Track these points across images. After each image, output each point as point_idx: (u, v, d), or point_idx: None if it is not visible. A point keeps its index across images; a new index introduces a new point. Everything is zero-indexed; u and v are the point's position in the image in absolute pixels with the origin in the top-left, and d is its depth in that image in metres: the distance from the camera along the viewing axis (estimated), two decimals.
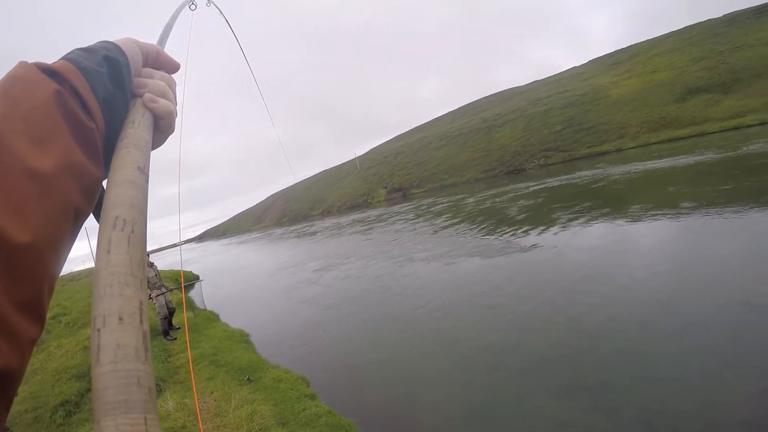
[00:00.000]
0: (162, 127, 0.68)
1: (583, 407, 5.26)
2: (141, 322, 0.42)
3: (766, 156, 19.80)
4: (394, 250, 19.80)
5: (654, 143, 46.32)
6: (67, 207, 0.48)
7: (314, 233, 46.19)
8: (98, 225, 0.52)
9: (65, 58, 0.57)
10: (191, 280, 24.30)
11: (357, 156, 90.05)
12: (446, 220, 25.31)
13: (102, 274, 0.44)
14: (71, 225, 0.50)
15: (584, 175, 31.01)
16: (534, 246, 13.43)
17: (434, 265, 14.47)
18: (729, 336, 5.95)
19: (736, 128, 40.10)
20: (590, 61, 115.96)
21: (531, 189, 30.54)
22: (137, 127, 0.61)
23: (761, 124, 38.43)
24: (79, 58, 0.57)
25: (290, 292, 16.87)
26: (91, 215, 0.57)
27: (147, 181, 0.56)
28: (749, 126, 39.17)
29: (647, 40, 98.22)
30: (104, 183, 0.57)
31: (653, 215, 13.72)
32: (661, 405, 4.94)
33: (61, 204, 0.47)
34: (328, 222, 59.09)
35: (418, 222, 28.38)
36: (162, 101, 0.66)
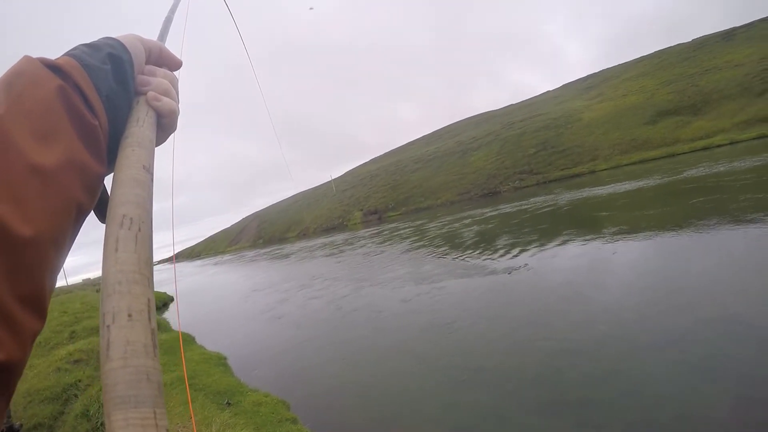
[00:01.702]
0: (165, 126, 0.68)
1: (567, 424, 5.24)
2: (149, 319, 0.42)
3: (694, 180, 21.24)
4: (369, 272, 19.68)
5: (626, 165, 46.87)
6: (70, 203, 0.48)
7: (288, 255, 45.93)
8: (100, 224, 0.53)
9: (69, 54, 0.57)
10: (165, 301, 23.93)
11: (333, 178, 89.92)
12: (424, 242, 25.21)
13: (111, 272, 0.44)
14: (73, 221, 0.49)
15: (538, 200, 31.82)
16: (511, 267, 13.31)
17: (411, 287, 14.34)
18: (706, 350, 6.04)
19: (705, 148, 40.76)
20: (563, 85, 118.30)
21: (505, 211, 30.71)
22: (141, 125, 0.61)
23: (731, 143, 39.09)
24: (82, 54, 0.57)
25: (266, 314, 16.61)
26: (92, 213, 0.57)
27: (152, 180, 0.56)
28: (719, 146, 39.80)
29: (619, 64, 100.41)
30: (106, 180, 0.58)
31: (585, 238, 14.43)
32: (642, 418, 4.94)
33: (63, 200, 0.47)
34: (303, 244, 58.69)
35: (402, 244, 27.86)
36: (165, 99, 0.67)
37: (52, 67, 0.52)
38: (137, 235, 0.47)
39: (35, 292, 0.42)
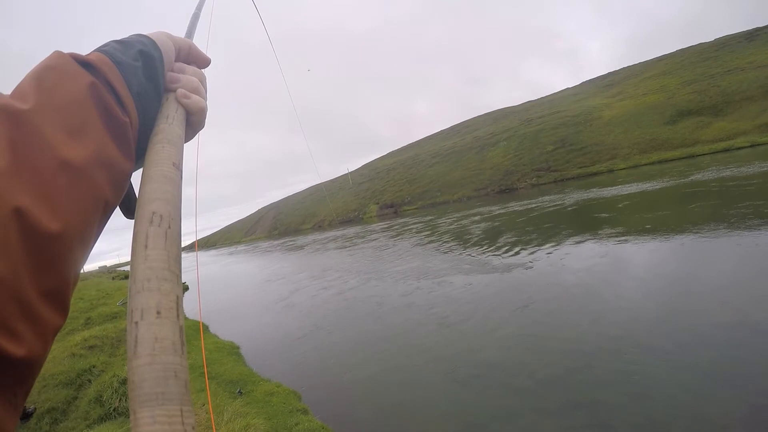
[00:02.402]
0: (193, 123, 0.69)
1: (577, 425, 5.19)
2: (178, 316, 0.42)
3: (704, 183, 20.99)
4: (385, 265, 19.65)
5: (645, 164, 46.60)
6: (98, 198, 0.48)
7: (302, 246, 46.34)
8: (127, 219, 0.53)
9: (100, 50, 0.57)
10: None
11: (349, 171, 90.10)
12: (443, 238, 24.79)
13: (140, 269, 0.44)
14: (100, 216, 0.50)
15: (546, 199, 31.86)
16: (525, 265, 13.31)
17: (426, 282, 14.29)
18: (722, 355, 5.93)
19: (725, 150, 40.40)
20: (583, 82, 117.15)
21: (523, 208, 30.46)
22: (171, 122, 0.61)
23: (752, 146, 38.75)
24: (114, 51, 0.57)
25: (279, 304, 16.65)
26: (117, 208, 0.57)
27: (181, 177, 0.56)
28: (739, 148, 39.41)
29: (639, 62, 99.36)
30: (133, 176, 0.58)
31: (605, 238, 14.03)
32: (654, 423, 4.88)
33: (92, 195, 0.47)
34: (316, 236, 59.18)
35: (418, 237, 28.21)
36: (194, 97, 0.67)
37: (83, 63, 0.52)
38: (167, 232, 0.48)
39: (59, 287, 0.42)
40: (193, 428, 0.38)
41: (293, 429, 6.10)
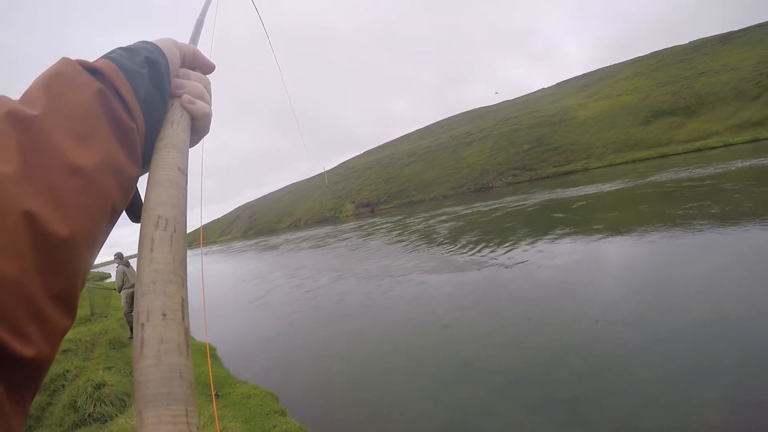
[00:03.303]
0: (198, 128, 0.70)
1: (557, 421, 5.19)
2: (183, 318, 0.43)
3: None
4: (361, 264, 19.59)
5: (619, 164, 47.02)
6: (106, 203, 0.49)
7: (276, 246, 46.30)
8: (133, 223, 0.54)
9: (107, 57, 0.58)
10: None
11: (326, 170, 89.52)
12: (412, 237, 25.01)
13: (146, 272, 0.45)
14: (108, 221, 0.50)
15: (511, 199, 32.22)
16: (504, 263, 13.25)
17: (401, 280, 14.29)
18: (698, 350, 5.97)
19: (699, 150, 40.85)
20: (559, 83, 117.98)
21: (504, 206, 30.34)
22: (176, 128, 0.62)
23: (724, 146, 39.19)
24: (121, 58, 0.58)
25: (254, 304, 16.49)
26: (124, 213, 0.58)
27: (186, 182, 0.57)
28: (712, 148, 39.90)
29: (615, 64, 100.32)
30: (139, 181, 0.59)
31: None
32: (633, 418, 4.90)
33: (100, 200, 0.48)
34: (294, 236, 58.78)
35: (390, 236, 28.33)
36: (199, 103, 0.68)
37: (91, 69, 0.53)
38: (172, 235, 0.48)
39: (67, 290, 0.43)
40: (198, 428, 0.38)
41: (271, 431, 6.05)
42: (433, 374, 7.08)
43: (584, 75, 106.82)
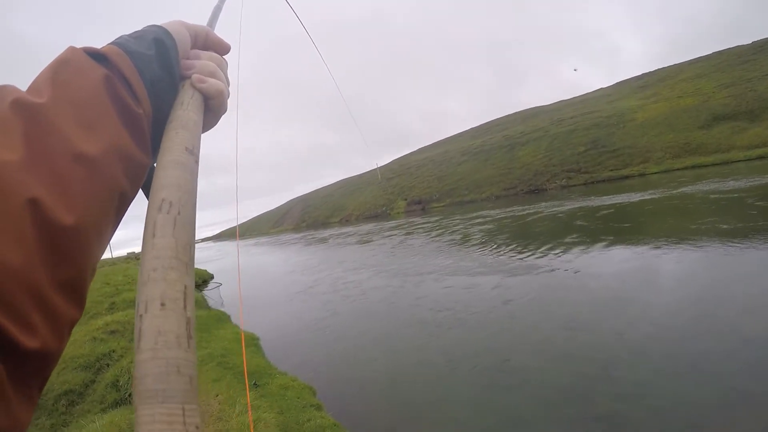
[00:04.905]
0: (213, 107, 0.68)
1: None
2: (185, 307, 0.41)
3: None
4: (410, 262, 19.77)
5: (677, 169, 46.10)
6: (113, 191, 0.49)
7: (325, 239, 47.37)
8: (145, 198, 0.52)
9: (114, 42, 0.58)
10: (205, 278, 25.86)
11: (378, 166, 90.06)
12: (472, 237, 25.15)
13: (146, 258, 0.43)
14: (116, 209, 0.50)
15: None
16: (550, 268, 13.35)
17: (448, 281, 14.43)
18: (748, 371, 5.82)
19: (761, 157, 39.81)
20: (617, 83, 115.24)
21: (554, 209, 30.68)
22: (186, 108, 0.61)
23: None
24: (127, 42, 0.58)
25: (301, 297, 16.93)
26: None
27: (197, 162, 0.56)
28: None
29: (675, 64, 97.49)
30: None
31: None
32: None
33: (107, 187, 0.48)
34: (339, 231, 60.01)
35: (453, 234, 28.53)
36: (211, 80, 0.66)
37: (96, 56, 0.53)
38: (176, 218, 0.47)
39: (75, 279, 0.43)
40: (197, 428, 0.37)
41: (305, 425, 6.09)
42: (474, 378, 7.12)
43: (643, 75, 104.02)
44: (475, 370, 7.46)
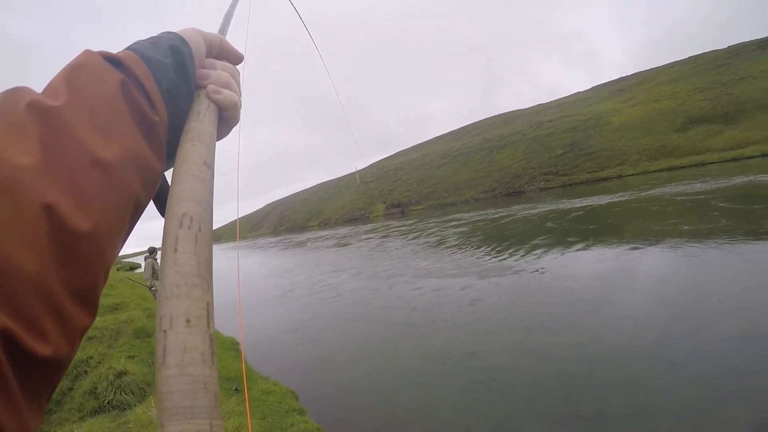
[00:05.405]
0: (226, 119, 0.68)
1: None
2: (208, 325, 0.41)
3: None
4: (387, 265, 19.70)
5: (654, 171, 46.58)
6: (129, 197, 0.48)
7: (303, 243, 47.20)
8: (163, 219, 0.52)
9: (130, 48, 0.57)
10: None
11: (357, 169, 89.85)
12: (448, 239, 25.16)
13: (169, 274, 0.43)
14: (130, 215, 0.50)
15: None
16: (532, 269, 13.25)
17: (425, 282, 14.35)
18: (727, 367, 5.85)
19: (736, 159, 40.23)
20: (595, 86, 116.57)
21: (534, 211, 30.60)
22: (202, 120, 0.60)
23: (762, 155, 38.51)
24: (143, 48, 0.57)
25: (279, 300, 16.68)
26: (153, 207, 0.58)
27: (213, 177, 0.55)
28: (750, 157, 39.22)
29: (652, 68, 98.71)
30: (167, 174, 0.58)
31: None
32: None
33: (123, 194, 0.47)
34: (316, 234, 60.03)
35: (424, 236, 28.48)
36: (226, 92, 0.66)
37: (113, 61, 0.52)
38: (197, 235, 0.46)
39: (88, 286, 0.42)
40: None
41: (288, 430, 5.99)
42: (456, 380, 7.05)
43: (620, 79, 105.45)
44: (454, 371, 7.40)
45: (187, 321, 0.40)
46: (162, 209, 0.58)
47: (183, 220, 0.47)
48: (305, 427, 6.01)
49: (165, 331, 0.39)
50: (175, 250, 0.45)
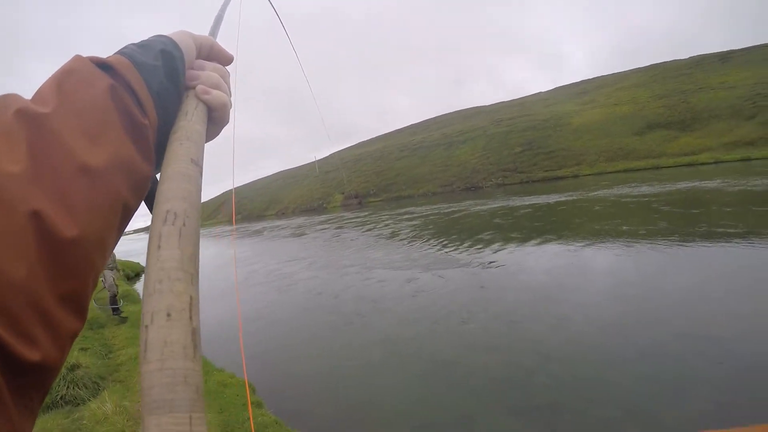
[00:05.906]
0: (216, 119, 0.68)
1: (534, 428, 5.20)
2: (190, 318, 0.41)
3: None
4: (341, 255, 19.79)
5: (610, 172, 47.05)
6: (116, 202, 0.48)
7: (260, 231, 46.63)
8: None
9: (120, 52, 0.57)
10: (137, 271, 25.39)
11: (317, 159, 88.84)
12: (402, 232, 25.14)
13: (152, 270, 0.43)
14: (119, 220, 0.50)
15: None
16: (488, 264, 13.24)
17: (385, 274, 14.32)
18: (677, 362, 6.05)
19: (690, 164, 40.91)
20: (556, 88, 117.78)
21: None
22: (190, 119, 0.61)
23: (715, 162, 39.23)
24: (133, 52, 0.57)
25: (233, 290, 15.88)
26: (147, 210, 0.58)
27: (201, 174, 0.56)
28: (703, 164, 39.94)
29: (613, 73, 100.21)
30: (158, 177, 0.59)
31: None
32: (611, 428, 4.94)
33: (110, 199, 0.47)
34: (272, 224, 59.03)
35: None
36: (215, 92, 0.66)
37: (103, 65, 0.52)
38: (181, 230, 0.46)
39: (77, 291, 0.42)
40: None
41: (245, 423, 5.92)
42: (413, 371, 7.05)
43: (582, 82, 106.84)
44: (415, 364, 7.39)
45: (168, 315, 0.40)
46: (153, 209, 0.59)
47: (167, 217, 0.47)
48: (263, 420, 5.97)
49: (146, 326, 0.39)
50: (159, 247, 0.45)
